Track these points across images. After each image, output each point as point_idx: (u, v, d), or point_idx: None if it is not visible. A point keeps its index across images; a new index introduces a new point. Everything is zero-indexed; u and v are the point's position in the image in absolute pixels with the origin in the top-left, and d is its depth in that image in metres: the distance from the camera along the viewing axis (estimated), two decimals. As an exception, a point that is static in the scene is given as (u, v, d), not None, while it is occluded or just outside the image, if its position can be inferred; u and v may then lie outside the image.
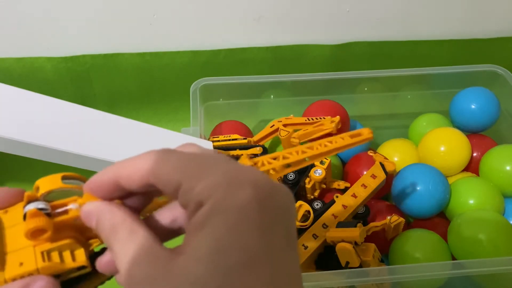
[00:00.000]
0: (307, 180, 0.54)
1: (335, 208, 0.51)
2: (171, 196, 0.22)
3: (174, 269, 0.20)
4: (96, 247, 0.26)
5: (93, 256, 0.26)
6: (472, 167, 0.62)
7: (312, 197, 0.55)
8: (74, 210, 0.24)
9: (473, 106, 0.64)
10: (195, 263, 0.19)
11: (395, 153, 0.63)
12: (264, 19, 0.69)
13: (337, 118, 0.58)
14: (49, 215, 0.24)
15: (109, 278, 0.26)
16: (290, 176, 0.53)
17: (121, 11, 0.66)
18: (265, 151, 0.56)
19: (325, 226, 0.49)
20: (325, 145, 0.26)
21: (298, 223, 0.49)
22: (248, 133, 0.65)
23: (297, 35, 0.71)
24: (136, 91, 0.73)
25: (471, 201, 0.55)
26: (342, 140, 0.26)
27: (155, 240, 0.22)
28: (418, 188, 0.55)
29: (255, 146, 0.57)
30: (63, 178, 0.26)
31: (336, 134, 0.59)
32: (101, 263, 0.24)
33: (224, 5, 0.67)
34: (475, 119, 0.64)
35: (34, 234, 0.23)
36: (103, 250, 0.26)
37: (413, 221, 0.59)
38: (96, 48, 0.69)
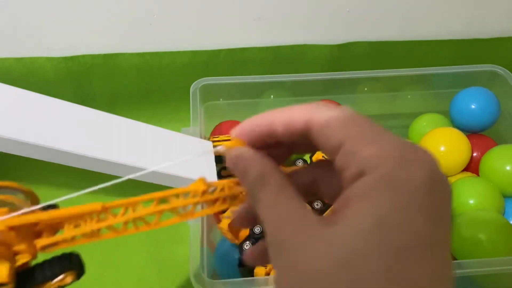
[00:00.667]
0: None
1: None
2: (327, 152, 0.21)
3: (328, 237, 0.18)
4: (22, 263, 0.24)
5: (20, 273, 0.24)
6: (472, 167, 0.62)
7: (312, 197, 0.55)
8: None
9: (473, 106, 0.64)
10: (355, 236, 0.18)
11: (395, 153, 0.63)
12: (264, 19, 0.69)
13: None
14: None
15: None
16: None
17: (121, 11, 0.66)
18: (265, 151, 0.56)
19: (325, 226, 0.49)
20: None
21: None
22: (248, 133, 0.65)
23: (297, 35, 0.71)
24: (136, 91, 0.73)
25: (471, 201, 0.55)
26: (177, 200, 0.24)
27: (303, 202, 0.21)
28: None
29: (255, 146, 0.57)
30: None
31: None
32: (240, 215, 0.25)
33: (224, 5, 0.67)
34: (475, 119, 0.64)
35: None
36: (34, 268, 0.24)
37: (413, 221, 0.58)
38: (96, 48, 0.69)
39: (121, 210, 0.23)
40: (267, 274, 0.46)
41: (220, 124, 0.65)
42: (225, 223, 0.51)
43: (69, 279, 0.25)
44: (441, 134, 0.61)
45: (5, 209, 0.23)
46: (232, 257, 0.52)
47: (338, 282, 0.17)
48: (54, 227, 0.24)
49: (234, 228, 0.52)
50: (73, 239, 0.23)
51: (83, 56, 0.68)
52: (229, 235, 0.51)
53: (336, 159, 0.20)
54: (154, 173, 0.53)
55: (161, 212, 0.24)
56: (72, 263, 0.25)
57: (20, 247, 0.23)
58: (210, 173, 0.55)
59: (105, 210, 0.23)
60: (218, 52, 0.71)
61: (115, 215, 0.23)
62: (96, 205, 0.23)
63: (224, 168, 0.60)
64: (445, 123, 0.66)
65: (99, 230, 0.23)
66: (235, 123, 0.65)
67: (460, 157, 0.60)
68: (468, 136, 0.61)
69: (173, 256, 0.59)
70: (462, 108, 0.64)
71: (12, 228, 0.22)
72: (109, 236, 0.23)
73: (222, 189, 0.24)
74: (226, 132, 0.62)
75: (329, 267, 0.18)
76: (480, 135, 0.65)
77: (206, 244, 0.50)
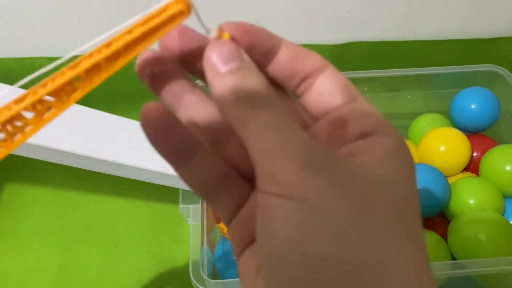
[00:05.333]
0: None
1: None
2: (320, 104, 0.21)
3: (353, 168, 0.18)
4: None
5: None
6: (472, 167, 0.62)
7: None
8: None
9: (473, 106, 0.63)
10: (401, 181, 0.19)
11: (395, 153, 0.63)
12: (264, 19, 0.69)
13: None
14: None
15: None
16: None
17: (121, 11, 0.66)
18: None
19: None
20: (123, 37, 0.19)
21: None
22: (248, 133, 0.65)
23: (297, 35, 0.71)
24: (136, 91, 0.73)
25: (471, 201, 0.55)
26: (143, 26, 0.19)
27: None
28: (418, 188, 0.54)
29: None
30: None
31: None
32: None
33: (224, 5, 0.67)
34: (475, 119, 0.64)
35: None
36: None
37: (413, 221, 0.58)
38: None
39: None
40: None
41: (220, 124, 0.65)
42: (225, 223, 0.51)
43: None
44: (441, 134, 0.61)
45: None
46: (232, 257, 0.52)
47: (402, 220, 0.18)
48: None
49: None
50: None
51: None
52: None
53: (339, 111, 0.20)
54: (153, 172, 0.53)
55: None
56: None
57: None
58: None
59: None
60: (218, 52, 0.70)
61: None
62: None
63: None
64: (445, 123, 0.66)
65: None
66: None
67: (460, 157, 0.60)
68: (468, 136, 0.61)
69: (173, 256, 0.59)
70: (462, 108, 0.64)
71: None
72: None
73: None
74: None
75: (391, 203, 0.18)
76: (480, 135, 0.65)
77: (206, 244, 0.50)
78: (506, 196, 0.57)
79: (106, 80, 0.77)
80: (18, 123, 0.19)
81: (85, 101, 0.67)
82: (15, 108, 0.19)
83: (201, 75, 0.20)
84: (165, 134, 0.19)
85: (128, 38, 0.19)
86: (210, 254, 0.53)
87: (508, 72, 0.66)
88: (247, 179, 0.21)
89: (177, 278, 0.58)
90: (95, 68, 0.19)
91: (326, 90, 0.21)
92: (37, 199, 0.65)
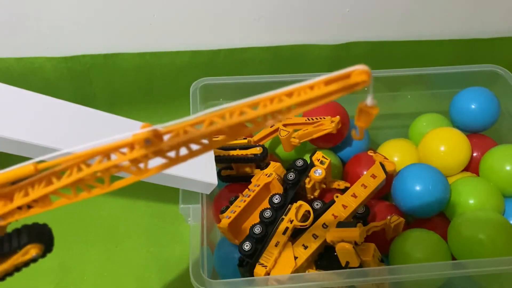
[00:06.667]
0: (307, 180, 0.54)
1: (335, 208, 0.51)
2: None
3: None
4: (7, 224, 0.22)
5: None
6: (472, 167, 0.62)
7: (312, 197, 0.55)
8: None
9: (473, 106, 0.64)
10: None
11: (395, 153, 0.63)
12: (264, 19, 0.69)
13: (337, 118, 0.58)
14: None
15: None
16: (290, 176, 0.53)
17: (121, 11, 0.66)
18: (265, 151, 0.56)
19: (325, 226, 0.49)
20: (305, 93, 0.20)
21: (298, 223, 0.49)
22: (248, 133, 0.65)
23: (297, 35, 0.71)
24: (136, 91, 0.73)
25: (471, 201, 0.55)
26: (325, 87, 0.20)
27: None
28: (418, 188, 0.55)
29: (255, 146, 0.57)
30: None
31: (336, 133, 0.59)
32: None
33: (224, 5, 0.67)
34: (475, 119, 0.64)
35: None
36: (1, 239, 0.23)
37: (413, 221, 0.59)
38: (96, 48, 0.69)
39: (67, 172, 0.21)
40: (267, 274, 0.46)
41: (220, 124, 0.65)
42: (225, 223, 0.51)
43: (33, 251, 0.23)
44: (441, 134, 0.61)
45: None
46: (232, 257, 0.52)
47: None
48: (9, 197, 0.22)
49: (234, 228, 0.52)
50: (28, 208, 0.22)
51: (83, 56, 0.68)
52: (229, 235, 0.51)
53: None
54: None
55: (109, 171, 0.21)
56: (40, 235, 0.23)
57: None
58: (210, 173, 0.55)
59: (37, 171, 0.21)
60: (218, 52, 0.71)
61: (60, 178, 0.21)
62: (28, 167, 0.20)
63: (225, 168, 0.60)
64: (445, 123, 0.66)
65: (48, 196, 0.21)
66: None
67: (460, 157, 0.60)
68: (468, 136, 0.61)
69: (173, 256, 0.59)
70: (462, 108, 0.64)
71: None
72: (61, 203, 0.22)
73: (176, 135, 0.21)
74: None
75: None
76: (480, 135, 0.65)
77: (206, 244, 0.50)
78: (506, 196, 0.57)
79: (106, 80, 0.77)
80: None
81: (85, 101, 0.67)
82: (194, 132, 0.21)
83: None
84: None
85: (310, 94, 0.21)
86: (210, 254, 0.53)
87: (508, 72, 0.66)
88: None
89: (177, 278, 0.58)
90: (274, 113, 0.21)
91: None
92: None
